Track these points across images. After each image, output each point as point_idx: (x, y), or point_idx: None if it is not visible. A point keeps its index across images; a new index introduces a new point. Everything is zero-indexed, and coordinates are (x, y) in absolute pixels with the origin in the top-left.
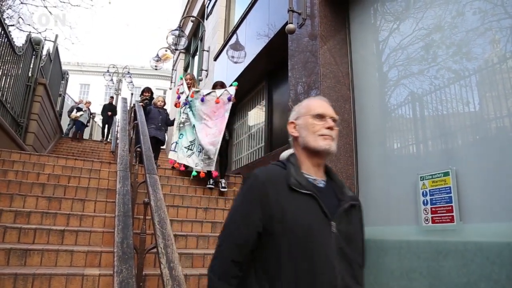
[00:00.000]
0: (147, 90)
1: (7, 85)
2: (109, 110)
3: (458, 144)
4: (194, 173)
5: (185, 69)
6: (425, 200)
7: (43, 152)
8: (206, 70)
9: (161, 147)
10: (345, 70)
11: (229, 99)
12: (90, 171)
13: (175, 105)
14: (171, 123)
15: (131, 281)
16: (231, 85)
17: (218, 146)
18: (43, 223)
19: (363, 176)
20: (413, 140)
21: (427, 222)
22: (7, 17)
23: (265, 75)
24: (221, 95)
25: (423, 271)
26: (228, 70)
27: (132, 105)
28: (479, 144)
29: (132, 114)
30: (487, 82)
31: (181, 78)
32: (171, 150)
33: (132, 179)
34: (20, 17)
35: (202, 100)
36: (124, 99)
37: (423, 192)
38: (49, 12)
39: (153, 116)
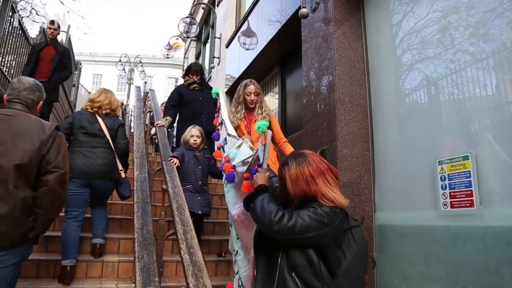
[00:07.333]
0: (195, 70)
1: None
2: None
3: (476, 128)
4: None
5: (197, 57)
6: (443, 185)
7: None
8: (218, 58)
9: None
10: (360, 54)
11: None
12: None
13: (214, 154)
14: (218, 173)
15: (153, 266)
16: (258, 128)
17: None
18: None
19: (380, 161)
20: (430, 124)
21: (445, 207)
22: (21, 9)
23: (278, 61)
24: (249, 164)
25: (442, 257)
26: (240, 56)
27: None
28: (498, 128)
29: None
30: (505, 64)
31: (217, 94)
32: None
33: (148, 167)
34: (33, 8)
35: (230, 178)
36: (138, 88)
37: (441, 177)
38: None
39: (186, 169)
